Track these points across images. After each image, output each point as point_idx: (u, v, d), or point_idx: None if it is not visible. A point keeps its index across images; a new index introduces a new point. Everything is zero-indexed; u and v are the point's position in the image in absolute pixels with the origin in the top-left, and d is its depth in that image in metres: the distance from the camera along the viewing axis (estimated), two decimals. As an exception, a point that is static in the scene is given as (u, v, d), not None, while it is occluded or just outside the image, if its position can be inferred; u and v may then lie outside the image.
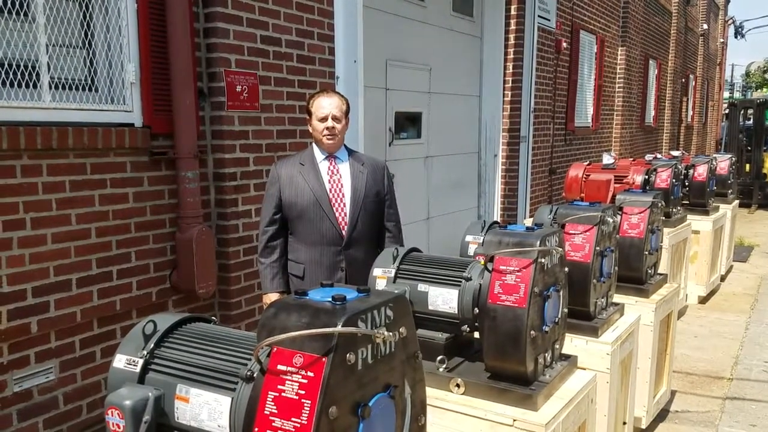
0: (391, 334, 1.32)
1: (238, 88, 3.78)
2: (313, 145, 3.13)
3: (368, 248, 3.08)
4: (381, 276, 2.31)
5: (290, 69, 4.16)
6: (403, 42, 6.20)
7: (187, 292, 3.53)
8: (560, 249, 2.21)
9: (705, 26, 19.40)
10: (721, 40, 23.41)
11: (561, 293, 2.27)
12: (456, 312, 2.21)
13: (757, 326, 5.75)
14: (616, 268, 3.10)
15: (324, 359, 1.18)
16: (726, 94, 27.34)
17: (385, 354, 1.34)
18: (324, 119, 2.99)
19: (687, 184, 6.27)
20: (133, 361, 1.47)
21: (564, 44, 9.27)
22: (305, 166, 3.05)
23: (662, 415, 3.93)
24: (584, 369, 2.67)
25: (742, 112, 14.28)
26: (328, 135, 3.00)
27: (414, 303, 2.26)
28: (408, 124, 6.66)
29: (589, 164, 5.98)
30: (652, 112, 14.77)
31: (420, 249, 2.49)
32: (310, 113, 3.07)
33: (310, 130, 3.11)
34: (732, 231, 7.65)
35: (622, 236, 3.48)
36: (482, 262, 2.18)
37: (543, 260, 2.09)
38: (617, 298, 3.30)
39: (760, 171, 14.04)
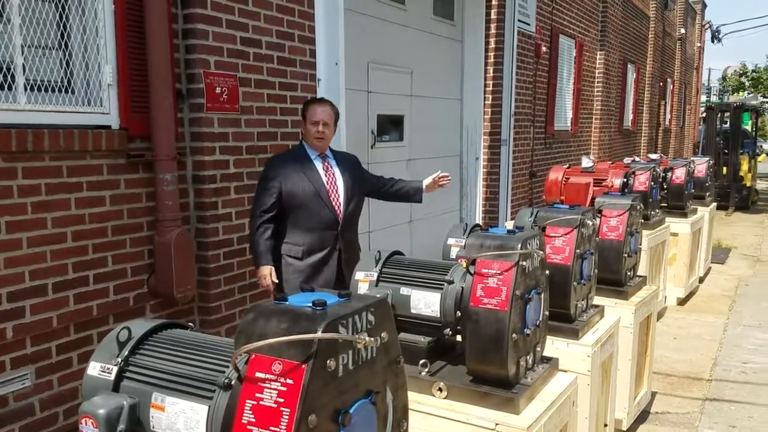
0: (372, 339, 1.29)
1: (218, 90, 3.74)
2: (305, 144, 3.58)
3: (355, 230, 3.72)
4: (363, 279, 2.30)
5: (271, 71, 4.13)
6: (385, 45, 6.20)
7: (165, 296, 3.49)
8: (541, 252, 2.22)
9: (682, 30, 19.66)
10: (698, 44, 23.74)
11: (542, 296, 2.27)
12: (438, 315, 2.21)
13: (735, 328, 5.82)
14: (596, 270, 3.11)
15: (304, 366, 1.15)
16: (703, 98, 27.73)
17: (366, 360, 1.32)
18: (316, 123, 3.50)
19: (665, 186, 6.34)
20: (108, 369, 1.44)
21: (543, 48, 9.34)
22: (303, 164, 3.52)
23: (643, 417, 3.96)
24: (565, 371, 2.68)
25: (719, 115, 14.49)
26: (319, 137, 3.51)
27: (396, 306, 2.25)
28: (390, 126, 6.65)
29: (568, 167, 6.02)
30: (631, 116, 14.93)
31: (402, 252, 2.48)
32: (305, 117, 3.54)
33: (303, 132, 3.59)
34: (710, 233, 7.75)
35: (601, 239, 3.50)
36: (464, 265, 2.17)
37: (524, 263, 2.09)
38: (597, 300, 3.32)
39: (737, 174, 14.24)
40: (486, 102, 8.03)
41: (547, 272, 2.33)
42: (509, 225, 5.54)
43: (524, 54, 8.45)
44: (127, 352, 1.46)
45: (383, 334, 1.38)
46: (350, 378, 1.27)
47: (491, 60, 7.91)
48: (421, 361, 2.20)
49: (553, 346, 2.78)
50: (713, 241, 9.43)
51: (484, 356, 2.05)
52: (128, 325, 1.51)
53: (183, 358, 1.42)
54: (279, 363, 1.18)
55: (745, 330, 5.73)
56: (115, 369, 1.44)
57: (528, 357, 2.19)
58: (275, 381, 1.17)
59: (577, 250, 2.81)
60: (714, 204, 7.95)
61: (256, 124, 4.04)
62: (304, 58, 4.42)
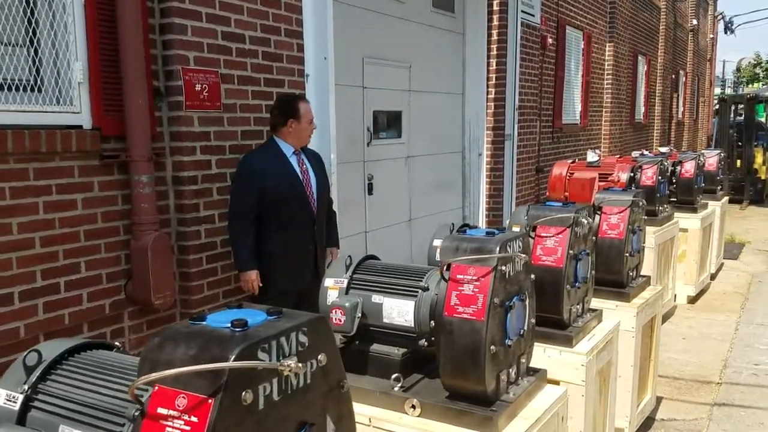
0: (301, 365, 1.12)
1: (198, 87, 3.59)
2: (277, 140, 3.59)
3: (324, 227, 3.78)
4: (333, 287, 2.13)
5: (255, 67, 3.98)
6: (381, 39, 6.03)
7: (143, 303, 3.34)
8: (524, 255, 2.03)
9: (694, 22, 19.29)
10: (711, 35, 23.31)
11: (527, 302, 2.09)
12: (412, 325, 2.03)
13: (747, 326, 5.59)
14: (593, 272, 2.92)
15: (210, 401, 0.99)
16: (717, 90, 27.28)
17: (297, 388, 1.16)
18: (311, 122, 3.65)
19: (674, 181, 6.11)
20: (13, 398, 1.28)
21: (549, 40, 9.12)
22: (280, 160, 3.53)
23: (647, 424, 3.76)
24: (558, 382, 2.50)
25: (732, 107, 14.14)
26: (311, 134, 3.70)
27: (368, 316, 2.08)
28: (388, 123, 6.49)
29: (573, 162, 5.82)
30: (642, 109, 14.63)
31: (377, 256, 2.31)
32: (298, 115, 3.54)
33: (290, 129, 3.56)
34: (722, 228, 7.50)
35: (601, 237, 3.31)
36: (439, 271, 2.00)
37: (504, 268, 1.91)
38: (596, 303, 3.13)
39: (751, 167, 13.90)
40: (489, 96, 7.82)
41: (533, 276, 2.15)
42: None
43: (529, 46, 8.23)
44: (35, 379, 1.30)
45: (320, 357, 1.22)
46: (276, 410, 1.11)
47: (494, 52, 7.70)
48: (394, 376, 2.03)
49: (545, 354, 2.61)
50: (726, 236, 9.17)
51: (460, 370, 1.88)
52: (38, 347, 1.35)
53: (96, 385, 1.26)
54: (183, 396, 1.01)
55: (757, 329, 5.50)
56: (20, 397, 1.28)
57: (510, 370, 2.02)
58: (178, 419, 1.01)
59: (571, 251, 2.62)
60: (726, 198, 7.70)
61: (240, 123, 3.88)
62: (292, 53, 4.25)
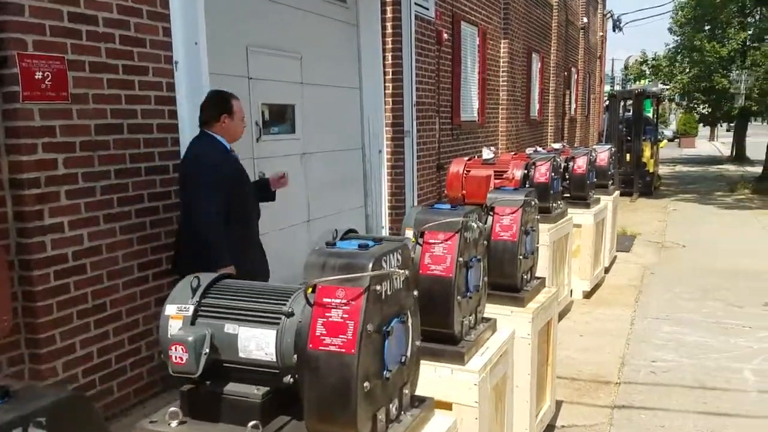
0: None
1: (39, 75, 3.09)
2: (219, 138, 3.56)
3: None
4: (175, 315, 1.76)
5: (111, 52, 3.50)
6: (268, 27, 5.63)
7: (-29, 330, 2.81)
8: (404, 271, 1.74)
9: (585, 20, 19.99)
10: (601, 33, 24.31)
11: (409, 324, 1.81)
12: (274, 359, 1.69)
13: (642, 321, 5.64)
14: (486, 278, 2.69)
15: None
16: (607, 88, 28.53)
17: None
18: (243, 118, 3.74)
19: (567, 177, 6.09)
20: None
21: (445, 35, 8.99)
22: (227, 155, 3.56)
23: (547, 432, 3.62)
24: (450, 405, 2.25)
25: (621, 103, 14.68)
26: (242, 133, 3.77)
27: (220, 349, 1.72)
28: (280, 117, 6.11)
29: (469, 160, 5.66)
30: (537, 106, 14.93)
31: (233, 274, 1.95)
32: (231, 111, 3.59)
33: (224, 125, 3.56)
34: (614, 222, 7.63)
35: (494, 240, 3.09)
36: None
37: (378, 287, 1.61)
38: (490, 309, 2.92)
39: (639, 160, 14.48)
40: (387, 91, 7.59)
41: (416, 293, 1.87)
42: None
43: (425, 41, 8.06)
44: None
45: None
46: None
47: (389, 46, 7.46)
48: (251, 423, 1.68)
49: (436, 374, 2.34)
50: (618, 228, 9.41)
51: (327, 413, 1.57)
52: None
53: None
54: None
55: (652, 323, 5.55)
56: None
57: (391, 405, 1.72)
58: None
59: (461, 258, 2.37)
60: (617, 192, 7.84)
61: (94, 115, 3.40)
62: (156, 37, 3.80)
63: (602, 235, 6.78)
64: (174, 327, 1.74)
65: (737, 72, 23.20)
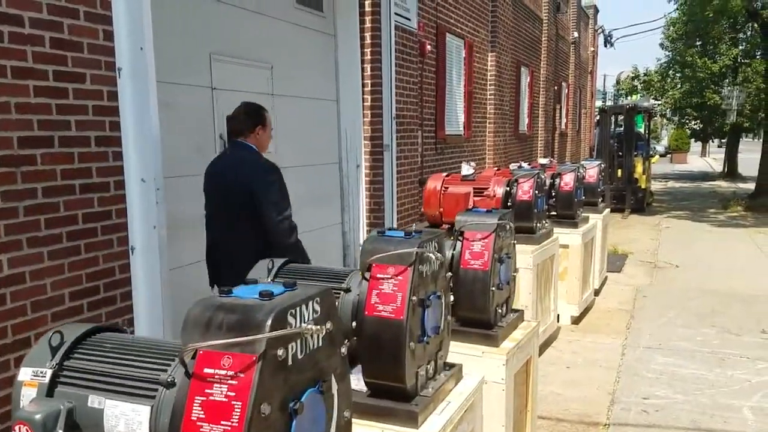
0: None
1: (-56, 82, 2.70)
2: (254, 147, 3.70)
3: None
4: (29, 383, 1.37)
5: (40, 56, 3.12)
6: (233, 35, 5.28)
7: None
8: (321, 326, 1.36)
9: (575, 34, 19.79)
10: (592, 48, 24.14)
11: (333, 391, 1.42)
12: (149, 443, 1.30)
13: (634, 350, 5.26)
14: (449, 317, 2.31)
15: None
16: (598, 103, 28.38)
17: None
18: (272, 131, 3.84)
19: (554, 194, 5.73)
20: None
21: (429, 47, 8.68)
22: None
23: (526, 484, 3.22)
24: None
25: (612, 118, 14.39)
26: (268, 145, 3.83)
27: (84, 430, 1.33)
28: (248, 131, 5.74)
29: (447, 176, 5.30)
30: (526, 120, 14.64)
31: (119, 327, 1.56)
32: (265, 124, 3.74)
33: (258, 136, 3.74)
34: (604, 241, 7.27)
35: (464, 269, 2.72)
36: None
37: (282, 352, 1.23)
38: (459, 350, 2.55)
39: (631, 176, 14.18)
40: (365, 103, 7.24)
41: (344, 350, 1.48)
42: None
43: (407, 52, 7.72)
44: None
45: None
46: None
47: (368, 57, 7.12)
48: None
49: (384, 438, 1.95)
50: (609, 246, 9.05)
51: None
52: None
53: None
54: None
55: (644, 353, 5.16)
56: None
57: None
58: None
59: (414, 297, 1.99)
60: (608, 210, 7.49)
61: (17, 126, 3.01)
62: (96, 41, 3.43)
63: (591, 255, 6.42)
64: (27, 396, 1.35)
65: (729, 88, 23.10)
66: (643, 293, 7.12)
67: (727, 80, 23.07)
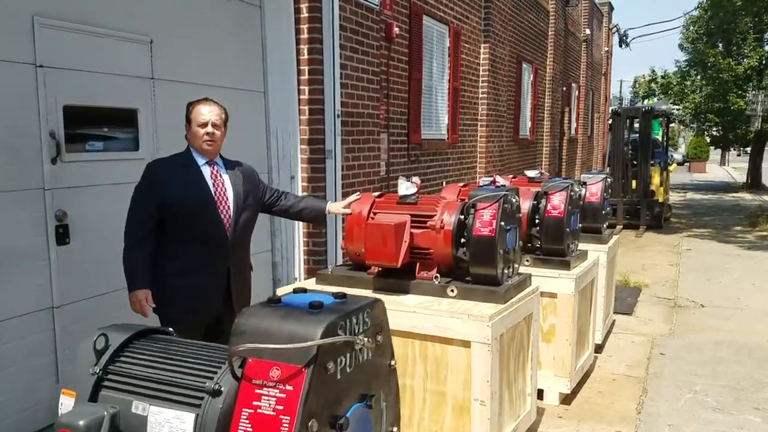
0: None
1: None
2: (191, 149, 3.23)
3: (247, 249, 3.39)
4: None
5: None
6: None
7: None
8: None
9: (587, 31, 18.06)
10: (606, 48, 22.37)
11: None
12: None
13: (646, 456, 3.58)
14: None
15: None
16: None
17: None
18: (204, 125, 3.17)
19: (538, 222, 4.04)
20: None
21: (397, 30, 7.05)
22: (188, 168, 3.17)
23: None
24: None
25: (627, 122, 12.59)
26: (208, 141, 3.18)
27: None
28: (106, 127, 4.21)
29: (379, 196, 3.64)
30: (528, 124, 12.96)
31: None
32: (189, 119, 3.22)
33: (189, 136, 3.24)
34: (610, 279, 5.55)
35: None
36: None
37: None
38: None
39: (647, 188, 12.42)
40: (301, 97, 5.64)
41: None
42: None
43: (362, 33, 6.10)
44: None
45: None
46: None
47: (304, 36, 5.53)
48: None
49: None
50: (618, 276, 7.36)
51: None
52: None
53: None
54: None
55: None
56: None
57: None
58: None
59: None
60: (616, 236, 5.78)
61: None
62: None
63: (592, 304, 4.71)
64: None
65: (753, 92, 21.34)
66: (660, 349, 5.41)
67: (751, 84, 21.25)
